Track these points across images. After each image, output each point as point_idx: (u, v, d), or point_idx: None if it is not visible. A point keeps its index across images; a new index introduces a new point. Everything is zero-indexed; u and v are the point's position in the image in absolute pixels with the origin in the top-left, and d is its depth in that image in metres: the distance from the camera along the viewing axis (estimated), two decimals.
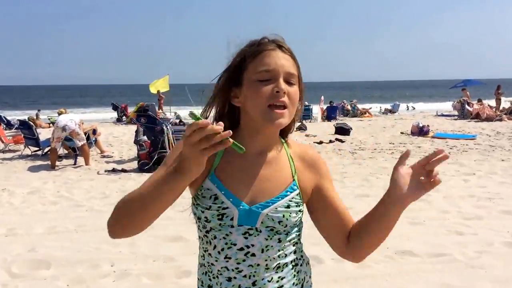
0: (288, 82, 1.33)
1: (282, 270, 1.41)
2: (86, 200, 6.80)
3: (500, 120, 18.32)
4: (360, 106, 25.05)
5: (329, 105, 22.89)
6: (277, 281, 1.40)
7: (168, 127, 9.16)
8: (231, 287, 1.37)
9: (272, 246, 1.36)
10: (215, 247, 1.36)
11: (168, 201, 1.21)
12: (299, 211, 1.40)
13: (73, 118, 9.73)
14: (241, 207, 1.32)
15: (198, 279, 1.49)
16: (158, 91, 16.14)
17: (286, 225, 1.36)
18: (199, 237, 1.43)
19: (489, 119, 18.53)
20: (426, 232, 5.06)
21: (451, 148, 11.27)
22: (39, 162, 10.21)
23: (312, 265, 4.27)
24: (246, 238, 1.34)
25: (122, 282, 3.98)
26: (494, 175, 8.02)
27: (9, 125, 17.75)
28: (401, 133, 14.75)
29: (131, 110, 20.97)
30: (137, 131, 10.28)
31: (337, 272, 4.10)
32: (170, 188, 1.17)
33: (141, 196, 1.21)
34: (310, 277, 1.54)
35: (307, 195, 1.45)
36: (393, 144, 12.27)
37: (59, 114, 10.81)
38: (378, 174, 8.24)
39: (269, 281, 1.38)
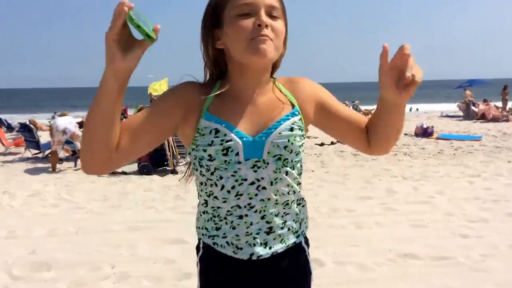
0: (271, 16, 1.26)
1: (289, 207, 1.41)
2: (87, 202, 6.78)
3: (507, 120, 18.18)
4: (362, 107, 24.92)
5: None
6: (282, 216, 1.41)
7: None
8: (243, 224, 1.36)
9: (280, 179, 1.35)
10: (223, 187, 1.33)
11: (118, 106, 1.18)
12: (302, 136, 1.38)
13: (72, 121, 9.81)
14: (244, 139, 1.29)
15: (200, 228, 1.48)
16: (150, 93, 16.00)
17: (292, 151, 1.34)
18: (201, 183, 1.39)
19: (495, 119, 18.37)
20: (429, 235, 4.99)
21: (456, 150, 11.19)
22: (39, 165, 10.21)
23: (313, 268, 4.23)
24: (255, 171, 1.32)
25: (122, 284, 3.95)
26: (500, 176, 7.93)
27: (9, 128, 17.78)
28: (405, 134, 14.59)
29: (131, 113, 20.94)
30: None
31: (338, 275, 4.05)
32: (106, 91, 1.14)
33: (91, 111, 1.18)
34: (307, 218, 1.56)
35: (308, 122, 1.45)
36: (397, 145, 12.14)
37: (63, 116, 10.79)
38: (381, 176, 8.18)
39: (276, 216, 1.39)
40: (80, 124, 10.95)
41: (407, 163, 9.49)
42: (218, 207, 1.37)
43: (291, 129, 1.33)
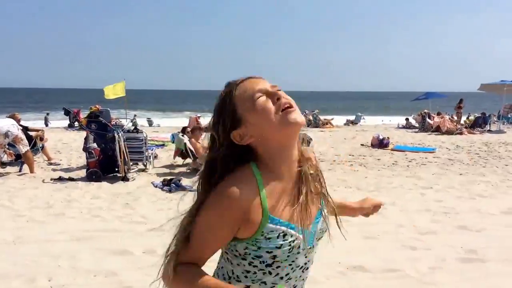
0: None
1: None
2: (28, 209, 6.43)
3: (461, 133, 18.61)
4: (322, 117, 25.08)
5: None
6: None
7: (120, 134, 8.80)
8: None
9: (315, 253, 1.51)
10: (277, 274, 1.38)
11: None
12: None
13: (14, 123, 9.30)
14: (303, 234, 1.37)
15: None
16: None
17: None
18: (247, 271, 1.40)
19: (449, 132, 18.81)
20: (379, 247, 4.96)
21: (410, 161, 11.32)
22: None
23: None
24: (306, 257, 1.43)
25: None
26: (452, 189, 8.02)
27: None
28: (362, 145, 14.76)
29: (83, 115, 20.33)
30: (86, 138, 9.87)
31: None
32: None
33: None
34: None
35: None
36: (353, 156, 12.25)
37: (11, 118, 10.24)
38: (335, 187, 8.15)
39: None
40: (26, 129, 10.43)
41: (362, 174, 9.53)
42: None
43: (321, 213, 1.48)
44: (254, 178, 1.33)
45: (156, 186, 7.95)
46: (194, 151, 9.32)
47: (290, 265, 1.37)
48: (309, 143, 14.12)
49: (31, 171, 9.19)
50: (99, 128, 8.82)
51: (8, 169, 9.66)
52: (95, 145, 8.94)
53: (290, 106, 1.31)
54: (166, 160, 11.05)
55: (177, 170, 9.75)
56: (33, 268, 4.32)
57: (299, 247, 1.35)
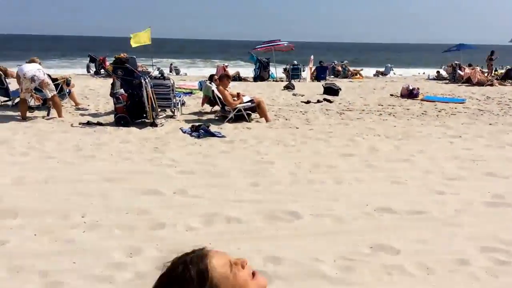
0: None
1: None
2: (58, 151, 6.48)
3: (491, 85, 18.15)
4: (351, 68, 24.69)
5: (318, 65, 22.42)
6: None
7: (147, 81, 8.73)
8: None
9: None
10: None
11: None
12: None
13: (40, 68, 9.16)
14: None
15: None
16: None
17: None
18: None
19: (480, 83, 18.34)
20: (407, 191, 4.97)
21: (439, 111, 11.12)
22: (9, 113, 9.64)
23: (291, 220, 4.26)
24: None
25: (92, 233, 3.86)
26: (480, 138, 7.91)
27: None
28: (391, 95, 14.52)
29: (108, 63, 20.19)
30: (113, 84, 9.80)
31: (315, 227, 4.04)
32: None
33: None
34: None
35: None
36: (382, 105, 12.07)
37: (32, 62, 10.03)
38: (364, 135, 8.08)
39: None
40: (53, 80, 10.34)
41: (391, 123, 9.42)
42: None
43: None
44: None
45: (184, 132, 7.99)
46: (221, 98, 9.31)
47: None
48: (338, 92, 14.03)
49: (59, 115, 9.17)
50: (125, 74, 8.80)
51: (36, 113, 9.56)
52: (122, 91, 8.93)
53: (254, 272, 1.29)
54: (194, 108, 11.06)
55: (205, 117, 9.78)
56: (66, 205, 4.43)
57: None
